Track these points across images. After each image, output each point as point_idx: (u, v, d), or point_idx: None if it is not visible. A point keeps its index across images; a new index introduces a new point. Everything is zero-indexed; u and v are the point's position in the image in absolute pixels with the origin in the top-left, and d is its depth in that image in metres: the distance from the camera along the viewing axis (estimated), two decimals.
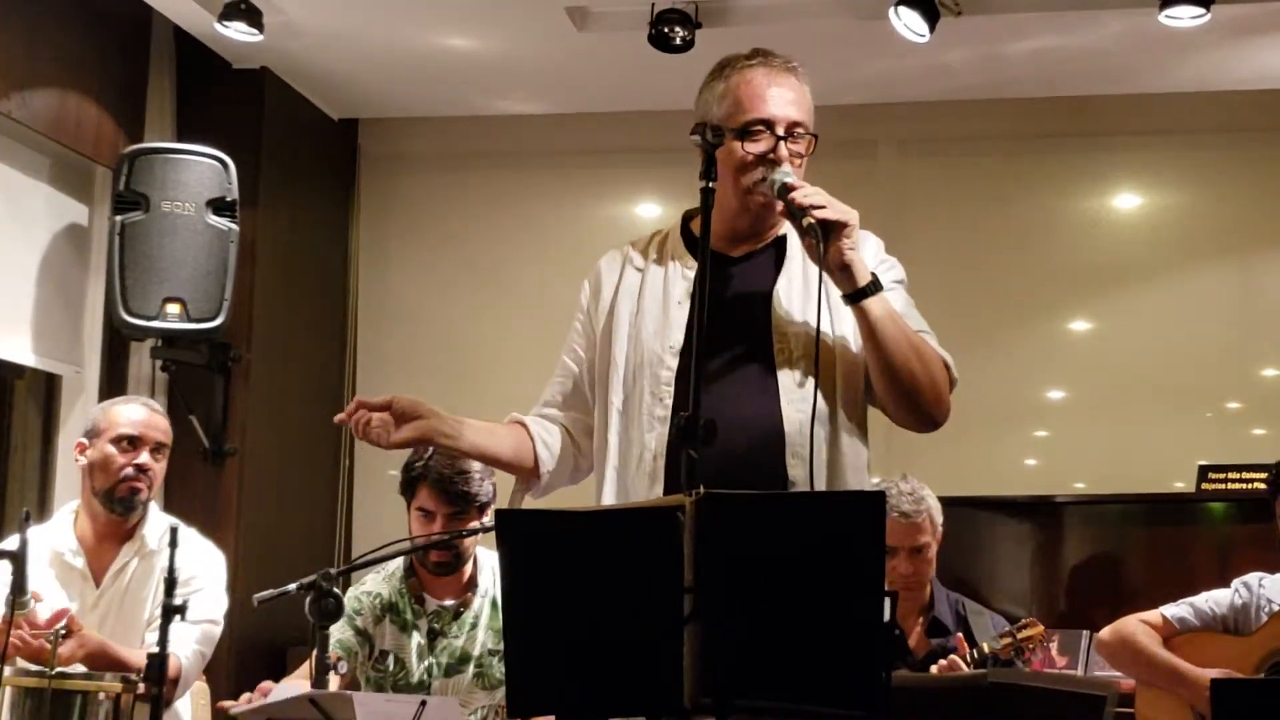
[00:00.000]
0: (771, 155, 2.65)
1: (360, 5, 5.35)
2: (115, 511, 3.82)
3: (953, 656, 3.69)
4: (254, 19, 5.18)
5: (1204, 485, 5.30)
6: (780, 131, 2.65)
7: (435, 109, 6.35)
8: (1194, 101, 5.93)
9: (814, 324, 2.55)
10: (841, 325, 2.67)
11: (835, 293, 2.63)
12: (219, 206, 5.00)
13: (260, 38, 5.26)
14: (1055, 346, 6.20)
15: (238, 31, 5.22)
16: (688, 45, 5.21)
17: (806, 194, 2.55)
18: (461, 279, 6.44)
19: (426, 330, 6.46)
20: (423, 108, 6.34)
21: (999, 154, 6.26)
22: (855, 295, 2.56)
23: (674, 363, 2.66)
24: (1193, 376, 5.95)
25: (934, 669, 3.68)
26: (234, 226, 5.01)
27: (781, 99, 2.67)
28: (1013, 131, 6.17)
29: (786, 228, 2.76)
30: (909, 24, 5.06)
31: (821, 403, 2.60)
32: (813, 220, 2.50)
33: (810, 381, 2.59)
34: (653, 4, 5.23)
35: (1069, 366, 6.17)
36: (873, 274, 2.58)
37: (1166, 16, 5.02)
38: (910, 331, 2.61)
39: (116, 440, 3.83)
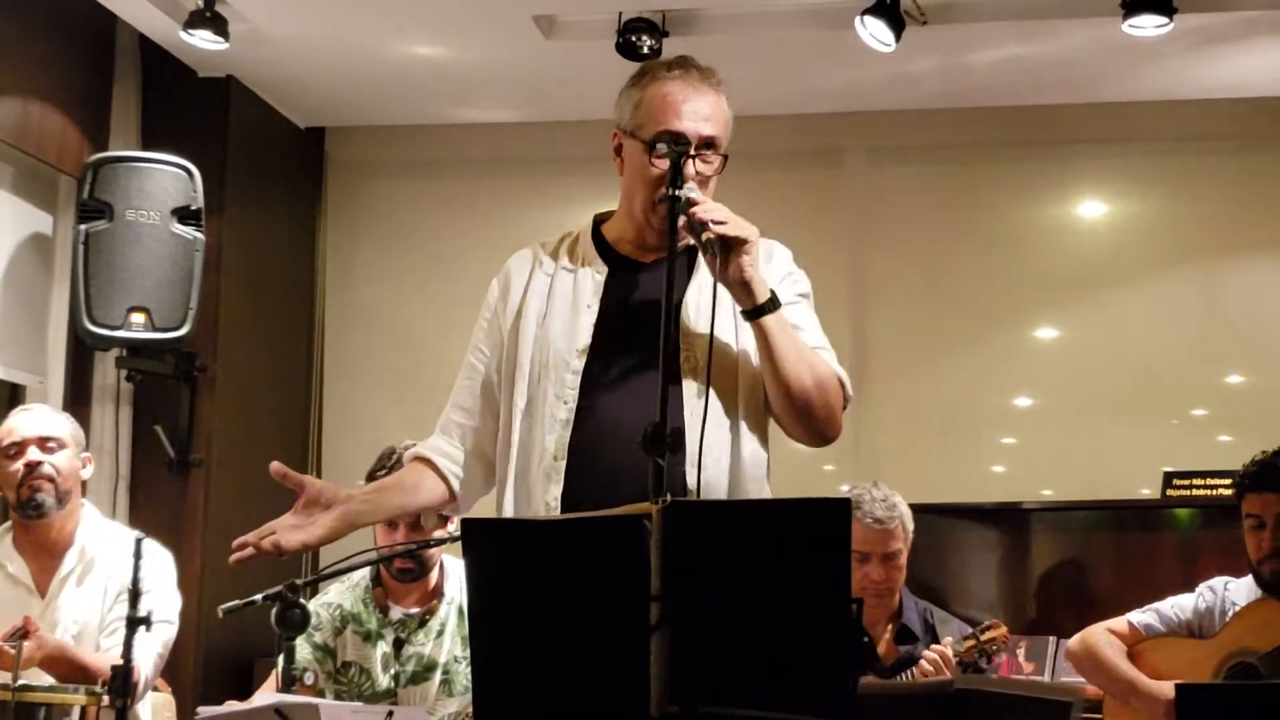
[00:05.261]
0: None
1: (327, 14, 5.33)
2: (29, 516, 3.86)
3: (943, 648, 3.68)
4: (219, 27, 5.16)
5: (1169, 492, 5.33)
6: (690, 150, 2.61)
7: (403, 117, 6.33)
8: (1158, 110, 5.97)
9: (719, 334, 2.56)
10: (747, 339, 2.67)
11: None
12: (184, 215, 4.97)
13: (226, 46, 5.24)
14: (1022, 354, 6.22)
15: (203, 40, 5.20)
16: (655, 54, 5.21)
17: (708, 209, 2.53)
18: (429, 287, 6.42)
19: (394, 339, 6.44)
20: (390, 116, 6.32)
21: (965, 162, 6.29)
22: (754, 312, 2.56)
23: (579, 365, 2.64)
24: (1159, 384, 5.99)
25: (923, 660, 3.69)
26: (199, 235, 4.99)
27: (695, 114, 2.64)
28: (979, 140, 6.20)
29: None
30: (875, 33, 5.07)
31: (723, 413, 2.61)
32: (711, 236, 2.49)
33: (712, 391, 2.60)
34: (620, 13, 5.24)
35: (1036, 374, 6.19)
36: (772, 291, 2.57)
37: (1130, 26, 5.05)
38: (806, 350, 2.61)
39: (3, 452, 3.89)
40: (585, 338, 2.66)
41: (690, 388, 2.60)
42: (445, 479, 2.76)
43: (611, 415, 2.58)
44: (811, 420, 2.61)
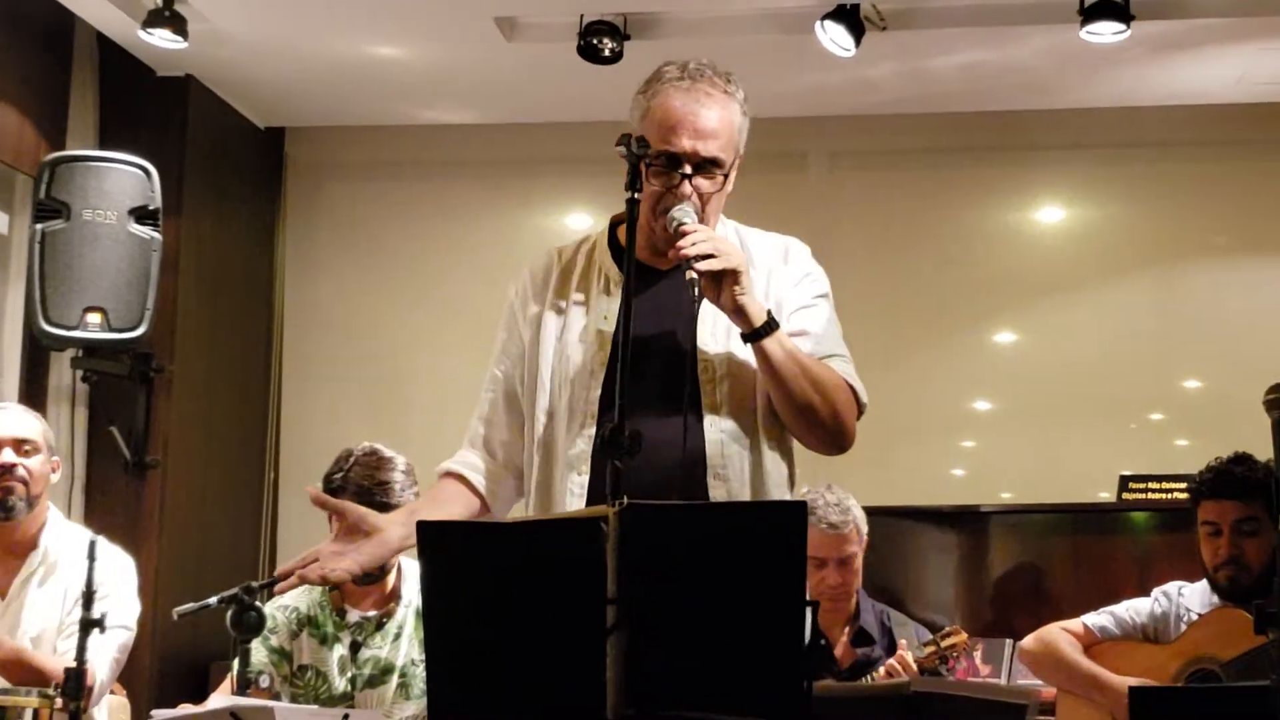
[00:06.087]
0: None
1: (287, 13, 5.31)
2: None
3: (900, 655, 3.71)
4: (178, 26, 5.13)
5: (1125, 495, 5.36)
6: (687, 169, 2.60)
7: (363, 118, 6.31)
8: (1115, 116, 6.02)
9: (737, 349, 2.58)
10: None
11: None
12: (141, 215, 4.92)
13: (185, 45, 5.22)
14: (981, 358, 6.26)
15: (162, 39, 5.17)
16: (616, 57, 5.22)
17: (695, 242, 2.50)
18: (389, 288, 6.40)
19: (354, 340, 6.42)
20: (350, 116, 6.30)
21: (925, 167, 6.32)
22: (751, 336, 2.56)
23: (599, 377, 2.64)
24: (1116, 388, 6.03)
25: (883, 669, 3.72)
26: (156, 235, 4.94)
27: (696, 130, 2.61)
28: (939, 145, 6.23)
29: None
30: (835, 38, 5.09)
31: (740, 427, 2.62)
32: (693, 275, 2.49)
33: (728, 405, 2.61)
34: (581, 15, 5.24)
35: (995, 378, 6.23)
36: (768, 313, 2.57)
37: (1087, 33, 5.09)
38: (809, 365, 2.60)
39: None
40: (606, 351, 2.65)
41: (710, 400, 2.61)
42: (477, 492, 2.76)
43: (632, 428, 2.56)
44: (820, 432, 2.62)
